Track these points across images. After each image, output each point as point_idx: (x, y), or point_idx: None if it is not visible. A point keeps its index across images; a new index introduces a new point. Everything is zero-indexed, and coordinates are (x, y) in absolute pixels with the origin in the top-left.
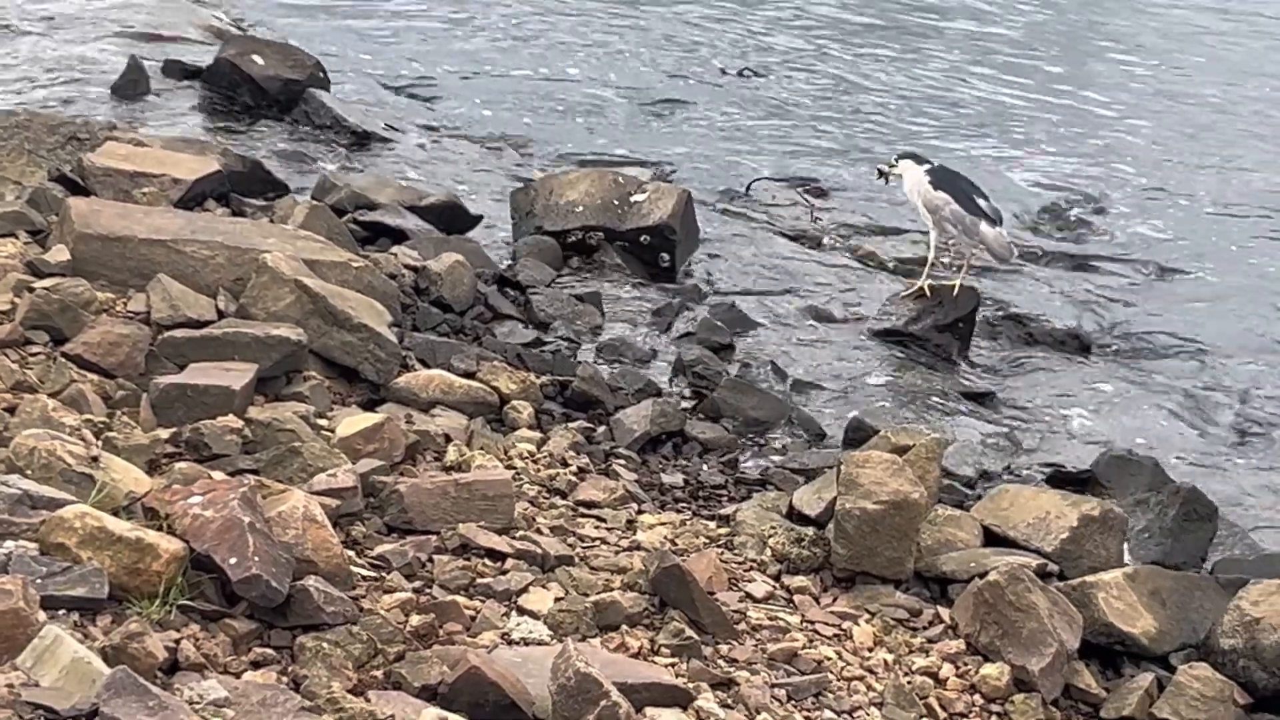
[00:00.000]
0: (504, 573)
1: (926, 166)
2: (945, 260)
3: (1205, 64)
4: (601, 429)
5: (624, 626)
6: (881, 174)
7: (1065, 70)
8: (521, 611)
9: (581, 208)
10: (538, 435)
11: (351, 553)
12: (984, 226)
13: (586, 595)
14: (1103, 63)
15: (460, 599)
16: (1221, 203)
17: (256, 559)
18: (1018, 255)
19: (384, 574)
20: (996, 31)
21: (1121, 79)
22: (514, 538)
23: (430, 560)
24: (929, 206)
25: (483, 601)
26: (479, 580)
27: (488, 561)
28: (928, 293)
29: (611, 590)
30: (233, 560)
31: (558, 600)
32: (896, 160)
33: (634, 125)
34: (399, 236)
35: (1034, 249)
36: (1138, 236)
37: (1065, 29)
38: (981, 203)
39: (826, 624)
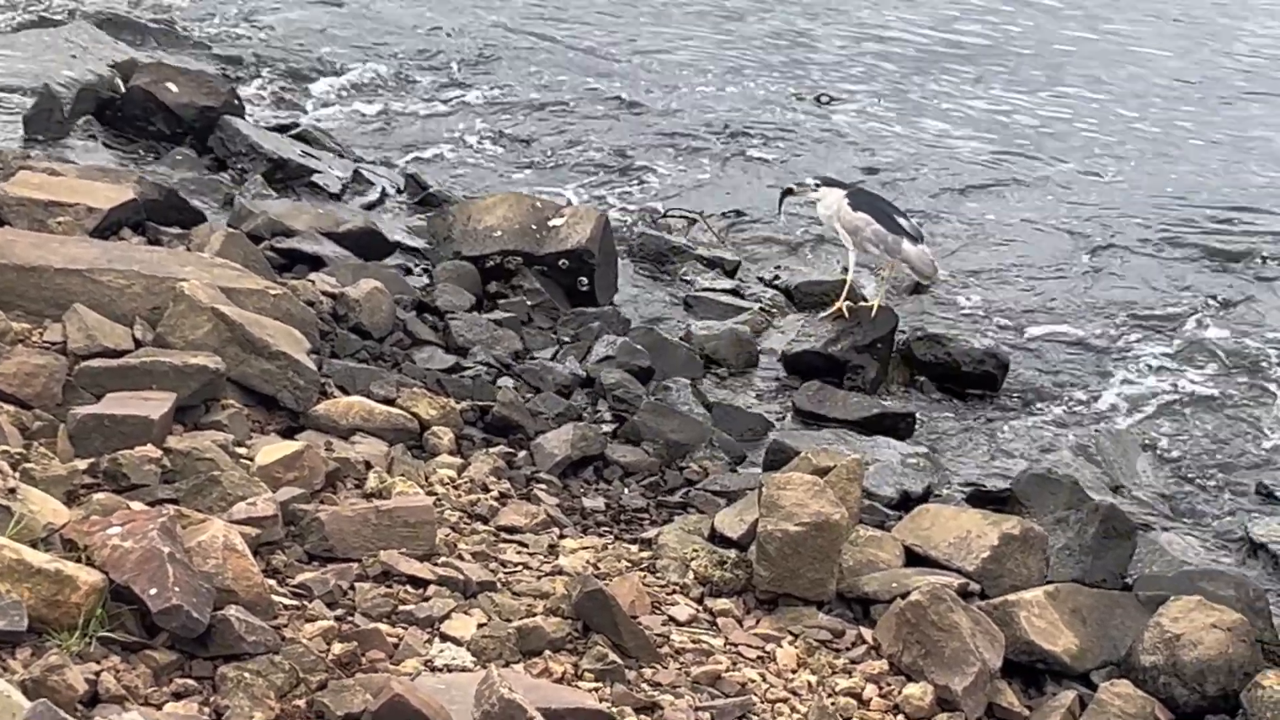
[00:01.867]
0: (426, 599)
1: (845, 190)
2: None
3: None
4: (522, 454)
5: (547, 651)
6: (786, 193)
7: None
8: (444, 638)
9: (500, 232)
10: (458, 461)
11: (273, 581)
12: (906, 244)
13: (509, 621)
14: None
15: (382, 626)
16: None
17: (177, 589)
18: (941, 273)
19: (306, 602)
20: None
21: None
22: (436, 564)
23: (352, 588)
24: (849, 228)
25: (405, 629)
26: (401, 607)
27: (409, 588)
28: (846, 314)
29: (534, 615)
30: (153, 591)
31: (480, 626)
32: (817, 185)
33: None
34: (316, 263)
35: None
36: (1057, 249)
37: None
38: (902, 221)
39: (750, 646)
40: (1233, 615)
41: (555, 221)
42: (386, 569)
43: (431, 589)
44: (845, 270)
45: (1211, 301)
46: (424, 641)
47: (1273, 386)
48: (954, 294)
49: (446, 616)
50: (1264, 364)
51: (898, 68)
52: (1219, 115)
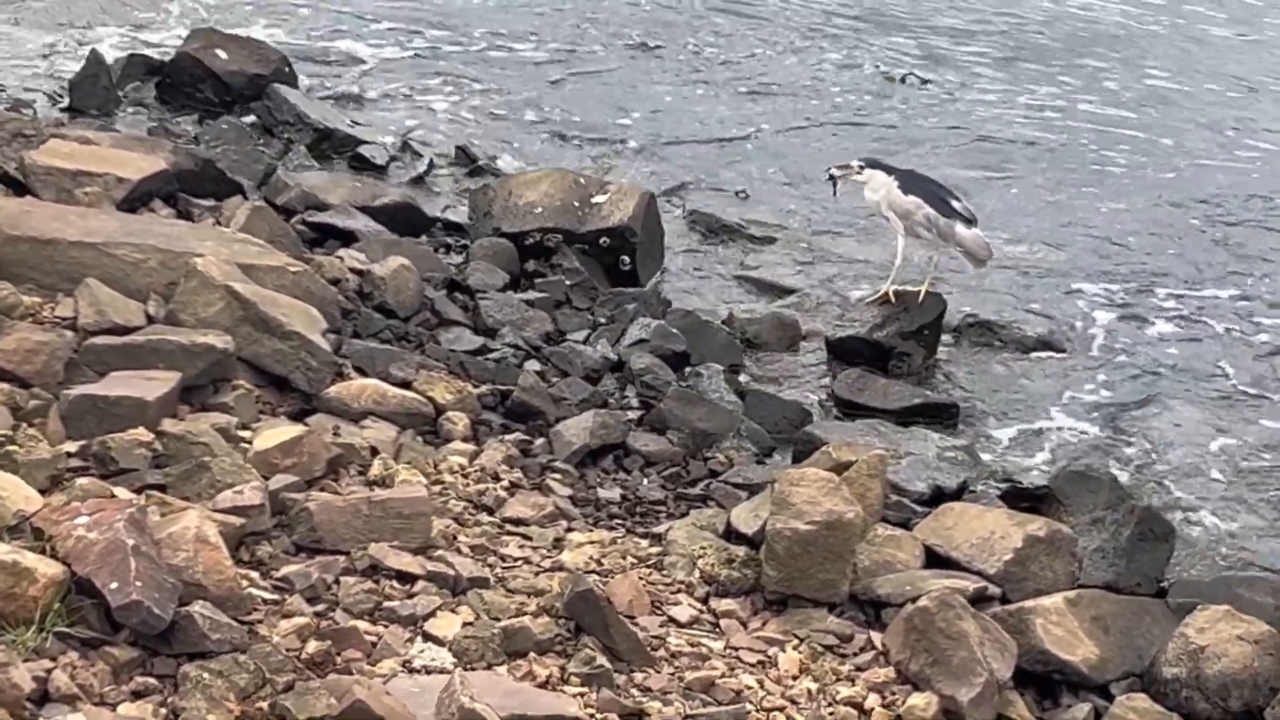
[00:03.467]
0: (412, 596)
1: (893, 173)
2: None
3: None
4: (540, 441)
5: (533, 654)
6: (832, 179)
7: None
8: (427, 637)
9: (540, 209)
10: (471, 448)
11: (255, 574)
12: (959, 228)
13: (497, 620)
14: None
15: (362, 624)
16: (1204, 206)
17: (138, 584)
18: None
19: (286, 596)
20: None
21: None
22: (429, 558)
23: (336, 582)
24: (899, 212)
25: (386, 627)
26: (385, 604)
27: (396, 584)
28: (892, 299)
29: (525, 614)
30: (113, 585)
31: (466, 625)
32: (861, 168)
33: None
34: (348, 238)
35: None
36: (1112, 241)
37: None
38: (955, 204)
39: (751, 650)
40: (1261, 627)
41: (598, 198)
42: (374, 563)
43: (419, 585)
44: (894, 254)
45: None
46: (404, 641)
47: None
48: (1009, 279)
49: (431, 614)
50: None
51: (988, 50)
52: None
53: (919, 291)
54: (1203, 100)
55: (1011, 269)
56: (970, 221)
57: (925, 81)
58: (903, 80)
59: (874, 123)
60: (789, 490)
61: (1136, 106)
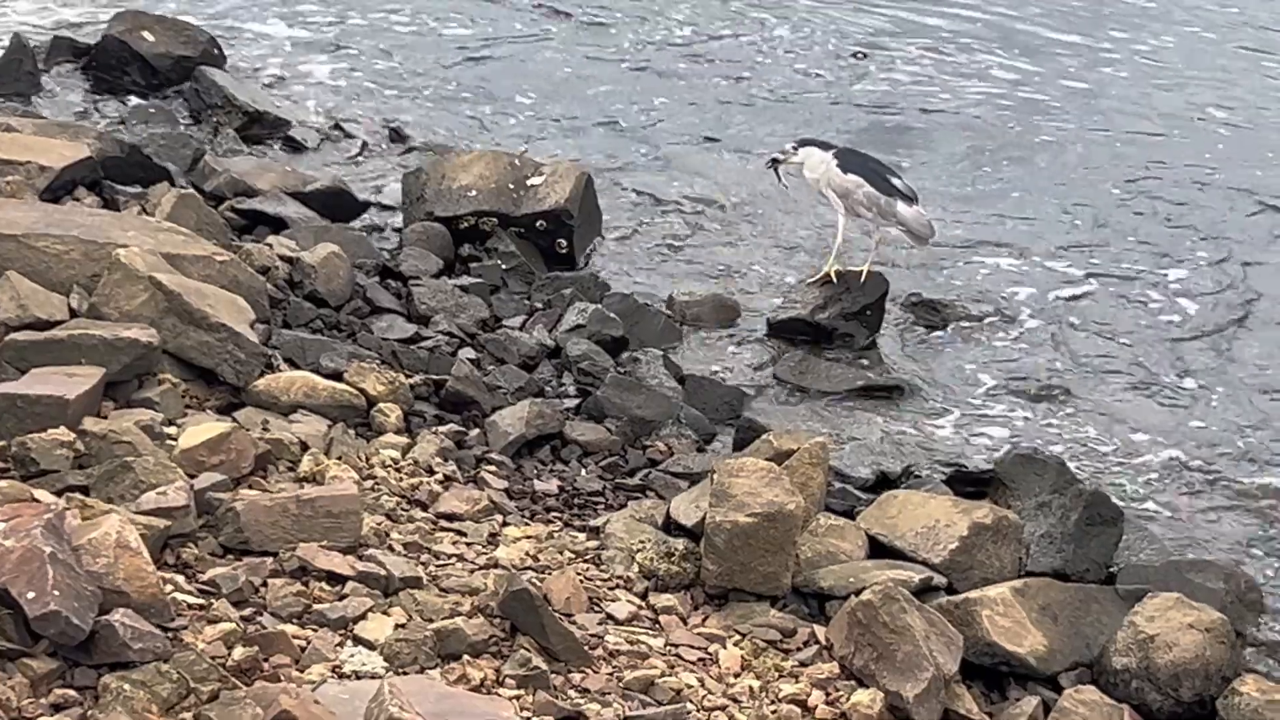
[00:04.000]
0: (342, 598)
1: (832, 150)
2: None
3: None
4: (475, 432)
5: (466, 656)
6: (775, 162)
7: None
8: (357, 641)
9: (475, 192)
10: (404, 441)
11: (180, 578)
12: (900, 206)
13: (431, 621)
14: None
15: (291, 628)
16: (1151, 184)
17: (56, 593)
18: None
19: (212, 600)
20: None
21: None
22: (360, 558)
23: (264, 585)
24: (839, 191)
25: (315, 630)
26: (314, 606)
27: (325, 586)
28: (834, 279)
29: (459, 615)
30: (30, 595)
31: (398, 628)
32: (795, 149)
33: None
34: (278, 225)
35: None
36: (1059, 220)
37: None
38: (895, 181)
39: (692, 647)
40: (1212, 615)
41: (534, 180)
42: (303, 564)
43: (349, 586)
44: (835, 234)
45: (1217, 271)
46: (334, 645)
47: None
48: (955, 257)
49: (362, 617)
50: None
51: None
52: None
53: (861, 271)
54: (1167, 76)
55: (957, 247)
56: (911, 199)
57: (864, 55)
58: (855, 56)
59: (822, 97)
60: (728, 481)
61: (1092, 86)
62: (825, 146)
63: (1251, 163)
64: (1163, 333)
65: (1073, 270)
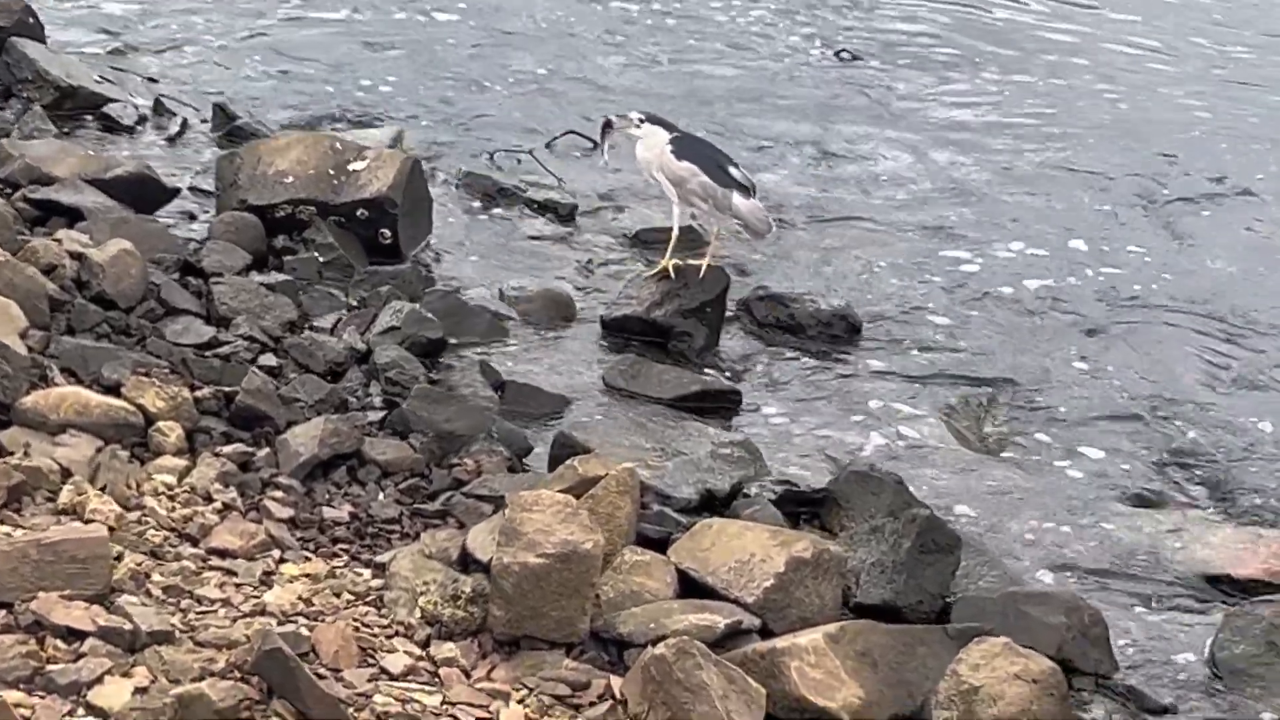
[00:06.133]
0: (79, 657)
1: (672, 135)
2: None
3: None
4: (264, 452)
5: None
6: (608, 126)
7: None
8: (89, 710)
9: (291, 178)
10: (183, 464)
11: None
12: (737, 198)
13: (177, 683)
14: None
15: (16, 695)
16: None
17: None
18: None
19: None
20: None
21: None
22: (108, 608)
23: None
24: (672, 179)
25: (43, 697)
26: (47, 668)
27: (61, 643)
28: (671, 273)
29: (212, 674)
30: None
31: (137, 693)
32: (640, 122)
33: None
34: (75, 216)
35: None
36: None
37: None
38: (733, 172)
39: (471, 705)
40: (1042, 663)
41: (355, 165)
42: (38, 618)
43: (88, 644)
44: (671, 224)
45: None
46: (61, 715)
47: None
48: (805, 251)
49: (98, 680)
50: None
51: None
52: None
53: (700, 265)
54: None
55: (808, 240)
56: (749, 191)
57: (840, 53)
58: (837, 55)
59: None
60: (520, 517)
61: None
62: (670, 128)
63: (1126, 147)
64: (1026, 334)
65: (927, 268)
